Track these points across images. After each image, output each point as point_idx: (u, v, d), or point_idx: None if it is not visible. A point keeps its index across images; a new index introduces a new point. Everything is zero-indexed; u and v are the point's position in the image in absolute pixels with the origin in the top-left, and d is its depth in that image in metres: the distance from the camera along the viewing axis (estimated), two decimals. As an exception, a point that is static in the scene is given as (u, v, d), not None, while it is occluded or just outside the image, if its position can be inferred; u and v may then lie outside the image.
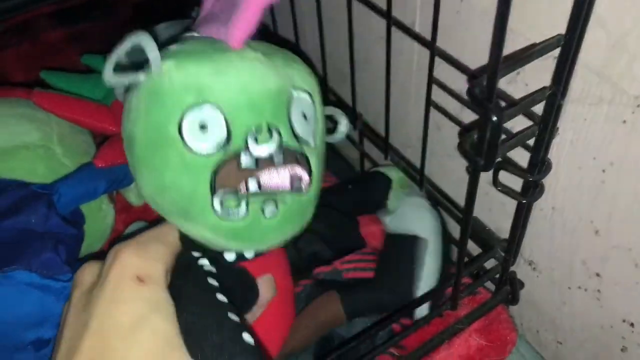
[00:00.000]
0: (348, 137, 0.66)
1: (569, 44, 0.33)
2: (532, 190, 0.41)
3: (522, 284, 0.52)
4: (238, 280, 0.39)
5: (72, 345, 0.31)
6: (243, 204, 0.35)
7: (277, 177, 0.35)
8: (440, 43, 0.44)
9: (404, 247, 0.52)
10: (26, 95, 0.56)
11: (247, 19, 0.35)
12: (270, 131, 0.35)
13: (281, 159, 0.35)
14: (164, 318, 0.32)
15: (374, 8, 0.50)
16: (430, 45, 0.44)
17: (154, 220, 0.39)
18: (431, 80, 0.46)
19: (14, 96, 0.56)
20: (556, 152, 0.42)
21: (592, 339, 0.49)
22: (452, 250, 0.57)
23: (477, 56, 0.44)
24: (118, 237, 0.54)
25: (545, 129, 0.37)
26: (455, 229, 0.56)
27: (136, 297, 0.31)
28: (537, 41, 0.38)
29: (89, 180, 0.51)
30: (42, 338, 0.42)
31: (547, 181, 0.43)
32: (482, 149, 0.32)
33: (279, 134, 0.35)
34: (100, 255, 0.35)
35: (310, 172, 0.37)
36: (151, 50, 0.34)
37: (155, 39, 0.35)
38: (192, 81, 0.34)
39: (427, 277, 0.50)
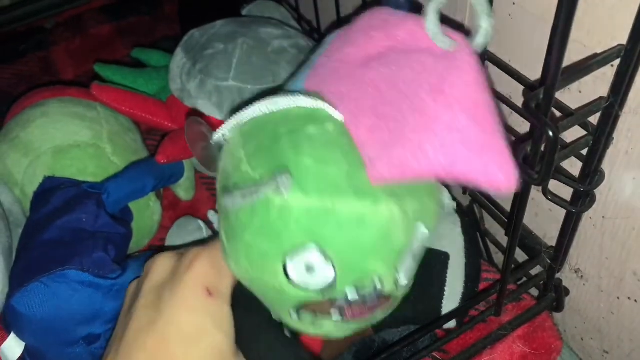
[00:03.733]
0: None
1: (631, 55, 0.32)
2: (582, 200, 0.40)
3: (567, 292, 0.51)
4: None
5: (137, 338, 0.33)
6: (319, 322, 0.35)
7: (359, 310, 0.34)
8: (491, 46, 0.43)
9: (425, 262, 0.51)
10: (77, 94, 0.58)
11: (406, 169, 0.29)
12: (373, 281, 0.33)
13: (373, 300, 0.34)
14: (224, 334, 0.33)
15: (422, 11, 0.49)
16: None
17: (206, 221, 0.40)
18: (480, 84, 0.45)
19: (65, 95, 0.58)
20: (609, 161, 0.40)
21: (641, 350, 0.48)
22: (489, 249, 0.57)
23: (529, 60, 0.43)
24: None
25: (600, 139, 0.36)
26: (499, 232, 0.55)
27: (202, 310, 0.33)
28: (592, 46, 0.37)
29: (137, 179, 0.52)
30: (93, 333, 0.44)
31: (598, 190, 0.42)
32: (535, 162, 0.32)
33: (382, 284, 0.33)
34: (162, 248, 0.37)
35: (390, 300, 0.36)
36: (284, 176, 0.30)
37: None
38: (314, 224, 0.31)
39: (450, 294, 0.49)
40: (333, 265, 0.31)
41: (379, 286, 0.33)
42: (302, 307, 0.34)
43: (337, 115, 0.33)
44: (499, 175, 0.28)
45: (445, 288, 0.49)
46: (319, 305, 0.34)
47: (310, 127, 0.32)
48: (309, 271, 0.31)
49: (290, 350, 0.35)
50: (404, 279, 0.34)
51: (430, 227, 0.34)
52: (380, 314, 0.37)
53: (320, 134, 0.32)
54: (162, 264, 0.36)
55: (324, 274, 0.31)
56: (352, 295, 0.33)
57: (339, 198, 0.30)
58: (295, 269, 0.31)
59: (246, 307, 0.36)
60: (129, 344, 0.33)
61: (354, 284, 0.32)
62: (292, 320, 0.36)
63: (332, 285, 0.32)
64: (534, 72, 0.42)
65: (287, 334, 0.37)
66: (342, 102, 0.33)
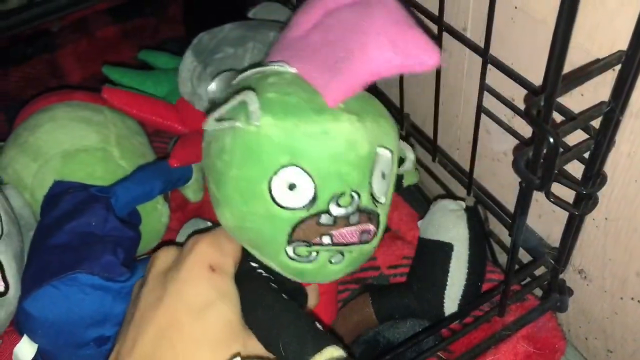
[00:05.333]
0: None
1: (631, 60, 0.32)
2: (585, 202, 0.41)
3: (571, 292, 0.52)
4: (291, 288, 0.42)
5: (145, 314, 0.34)
6: (314, 254, 0.38)
7: (349, 235, 0.38)
8: (493, 49, 0.43)
9: (429, 254, 0.52)
10: (85, 98, 0.58)
11: (350, 83, 0.36)
12: (352, 196, 0.37)
13: (357, 218, 0.38)
14: (229, 305, 0.35)
15: (424, 13, 0.49)
16: (483, 53, 0.44)
17: (215, 222, 0.42)
18: (483, 87, 0.46)
19: (72, 99, 0.58)
20: (611, 164, 0.41)
21: (644, 350, 0.48)
22: (494, 250, 0.57)
23: (531, 64, 0.43)
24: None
25: (602, 143, 0.36)
26: (502, 233, 0.56)
27: (207, 283, 0.35)
28: (593, 51, 0.37)
29: (145, 182, 0.52)
30: (104, 335, 0.44)
31: (601, 192, 0.42)
32: (537, 167, 0.32)
33: (359, 197, 0.38)
34: (171, 243, 0.41)
35: (378, 225, 0.40)
36: (254, 106, 0.35)
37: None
38: (287, 142, 0.35)
39: (452, 285, 0.50)
40: (311, 178, 0.36)
41: (356, 197, 0.37)
42: (294, 238, 0.37)
43: (291, 69, 0.39)
44: (423, 57, 0.35)
45: (448, 278, 0.50)
46: (308, 230, 0.37)
47: (271, 78, 0.38)
48: (292, 189, 0.36)
49: (290, 309, 0.37)
50: (380, 195, 0.39)
51: (392, 148, 0.40)
52: (369, 246, 0.40)
53: (279, 79, 0.38)
54: (165, 254, 0.39)
55: (305, 188, 0.36)
56: (334, 209, 0.36)
57: (305, 117, 0.36)
58: (280, 189, 0.36)
59: (248, 281, 0.39)
60: (138, 320, 0.35)
61: (334, 196, 0.36)
62: (291, 261, 0.38)
63: (314, 199, 0.36)
64: (536, 76, 0.42)
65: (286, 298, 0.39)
66: (294, 61, 0.39)
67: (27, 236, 0.50)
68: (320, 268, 0.39)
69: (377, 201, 0.39)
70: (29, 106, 0.59)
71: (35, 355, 0.44)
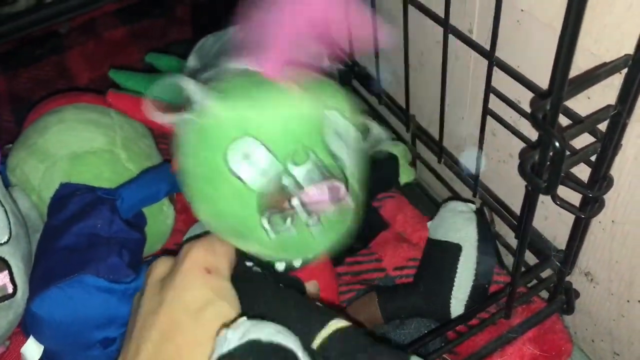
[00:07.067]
0: (401, 139, 0.66)
1: (638, 64, 0.32)
2: (591, 205, 0.41)
3: (577, 294, 0.51)
4: (290, 285, 0.42)
5: (147, 320, 0.35)
6: (289, 221, 0.38)
7: (317, 193, 0.38)
8: (499, 52, 0.43)
9: (438, 254, 0.52)
10: (92, 100, 0.59)
11: (276, 49, 0.38)
12: (307, 153, 0.38)
13: (318, 175, 0.38)
14: (227, 303, 0.36)
15: (431, 15, 0.49)
16: (489, 55, 0.44)
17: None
18: (489, 90, 0.46)
19: (81, 102, 0.58)
20: (618, 167, 0.41)
21: (651, 353, 0.48)
22: (500, 252, 0.57)
23: (537, 66, 0.43)
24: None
25: (609, 146, 0.36)
26: (508, 234, 0.56)
27: (204, 285, 0.36)
28: (600, 54, 0.37)
29: (151, 185, 0.52)
30: (109, 337, 0.45)
31: (607, 195, 0.42)
32: (543, 170, 0.32)
33: (315, 154, 0.38)
34: (167, 252, 0.40)
35: (347, 184, 0.40)
36: (195, 92, 0.37)
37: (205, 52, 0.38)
38: (233, 116, 0.37)
39: (460, 285, 0.50)
40: (262, 144, 0.37)
41: (315, 159, 0.38)
42: (264, 208, 0.37)
43: (240, 64, 0.41)
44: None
45: (455, 279, 0.50)
46: (276, 196, 0.37)
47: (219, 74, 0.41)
48: (247, 159, 0.37)
49: (289, 295, 0.38)
50: (342, 156, 0.40)
51: (340, 109, 0.41)
52: (346, 213, 0.41)
53: (224, 73, 0.41)
54: (161, 264, 0.39)
55: (259, 155, 0.37)
56: (298, 174, 0.37)
57: (248, 93, 0.38)
58: (237, 163, 0.37)
59: (244, 279, 0.39)
60: (140, 327, 0.35)
61: (294, 163, 0.37)
62: (271, 236, 0.38)
63: (271, 163, 0.37)
64: (542, 78, 0.42)
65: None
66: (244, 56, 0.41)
67: (34, 238, 0.50)
68: (299, 236, 0.39)
69: (340, 162, 0.40)
70: (37, 108, 0.60)
71: (42, 356, 0.44)
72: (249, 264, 0.42)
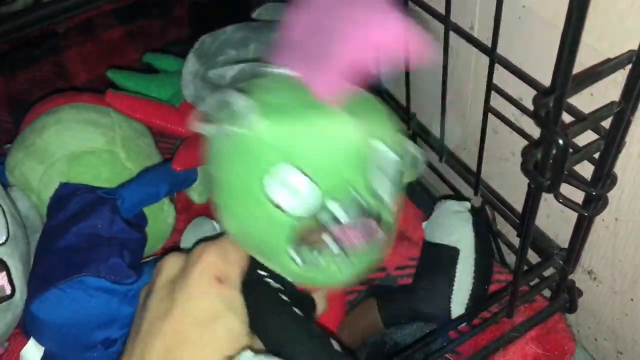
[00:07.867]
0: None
1: (641, 60, 0.31)
2: (595, 203, 0.40)
3: (580, 293, 0.51)
4: (299, 296, 0.41)
5: (153, 326, 0.34)
6: (317, 255, 0.37)
7: (352, 234, 0.37)
8: (500, 48, 0.43)
9: (436, 258, 0.51)
10: (91, 100, 0.58)
11: (335, 70, 0.35)
12: (347, 188, 0.36)
13: (355, 212, 0.37)
14: (236, 317, 0.35)
15: (431, 12, 0.49)
16: (490, 52, 0.43)
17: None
18: (490, 87, 0.46)
19: (79, 101, 0.58)
20: (621, 164, 0.40)
21: (655, 351, 0.48)
22: (501, 250, 0.57)
23: (539, 63, 0.43)
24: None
25: (612, 143, 0.36)
26: (510, 233, 0.55)
27: (214, 296, 0.35)
28: (603, 50, 0.37)
29: (151, 184, 0.52)
30: (110, 338, 0.45)
31: (611, 192, 0.42)
32: (545, 169, 0.32)
33: (356, 190, 0.37)
34: (168, 251, 0.40)
35: (381, 220, 0.39)
36: (242, 105, 0.35)
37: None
38: (278, 143, 0.35)
39: (459, 289, 0.50)
40: (305, 174, 0.35)
41: (356, 196, 0.36)
42: (296, 240, 0.36)
43: (283, 69, 0.39)
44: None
45: (454, 283, 0.49)
46: (309, 230, 0.36)
47: (262, 80, 0.39)
48: (287, 188, 0.35)
49: (303, 326, 0.36)
50: (383, 193, 0.38)
51: (388, 141, 0.39)
52: (377, 249, 0.39)
53: (269, 81, 0.39)
54: (172, 262, 0.38)
55: (299, 186, 0.35)
56: (336, 210, 0.36)
57: (294, 115, 0.36)
58: (275, 189, 0.35)
59: (257, 293, 0.38)
60: (146, 333, 0.34)
61: (333, 197, 0.36)
62: (296, 266, 0.38)
63: (310, 197, 0.35)
64: (544, 75, 0.42)
65: (299, 313, 0.38)
66: (287, 61, 0.39)
67: (34, 238, 0.50)
68: (327, 272, 0.39)
69: (380, 199, 0.38)
70: (35, 108, 0.59)
71: (42, 358, 0.44)
72: (262, 272, 0.40)
